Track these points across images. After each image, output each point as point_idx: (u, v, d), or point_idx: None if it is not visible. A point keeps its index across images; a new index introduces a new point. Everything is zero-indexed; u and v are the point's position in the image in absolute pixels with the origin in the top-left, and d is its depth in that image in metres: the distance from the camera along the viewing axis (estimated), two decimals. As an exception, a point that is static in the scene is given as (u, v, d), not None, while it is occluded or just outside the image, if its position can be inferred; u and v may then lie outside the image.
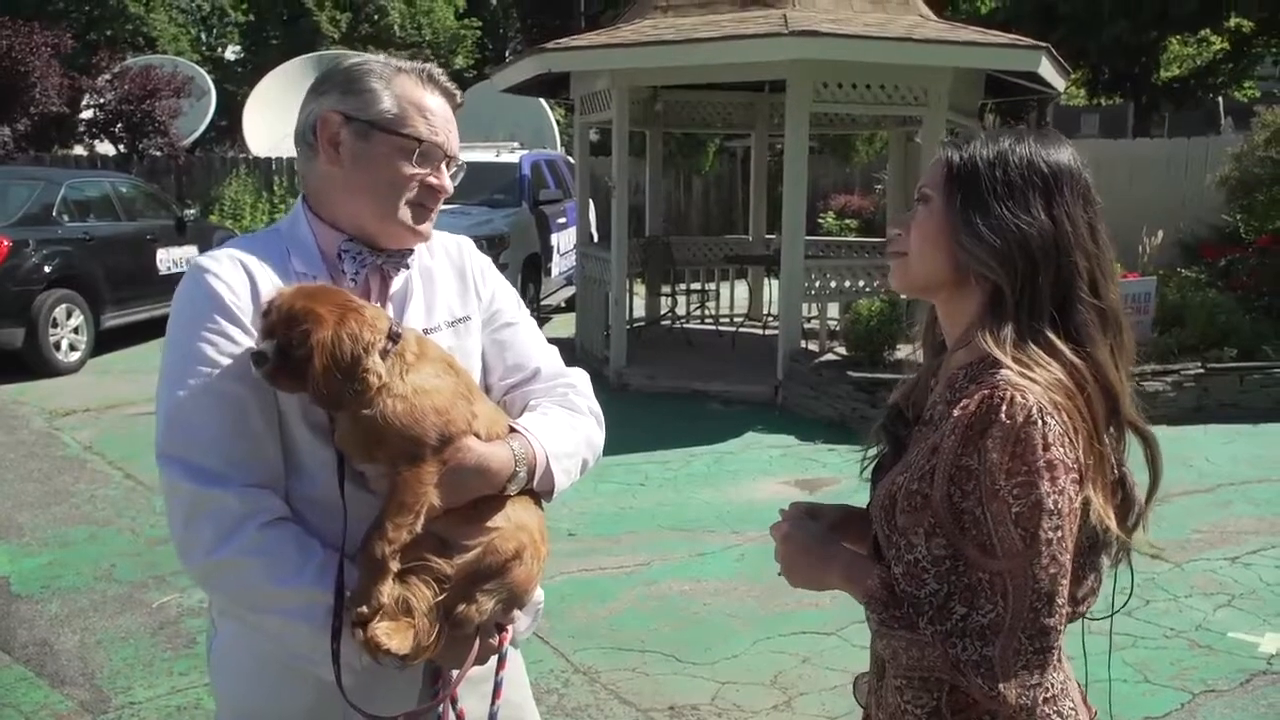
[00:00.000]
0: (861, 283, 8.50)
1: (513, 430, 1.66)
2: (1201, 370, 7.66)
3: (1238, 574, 4.86)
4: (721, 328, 10.81)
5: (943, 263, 1.39)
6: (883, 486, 1.42)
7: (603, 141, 12.68)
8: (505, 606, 1.60)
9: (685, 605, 4.59)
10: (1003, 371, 1.29)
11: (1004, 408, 1.25)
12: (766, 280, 11.34)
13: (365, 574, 1.47)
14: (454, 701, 1.65)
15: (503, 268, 7.99)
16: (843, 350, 8.12)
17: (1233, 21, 20.52)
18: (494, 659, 1.67)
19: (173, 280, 11.35)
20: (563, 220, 12.16)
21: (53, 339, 9.40)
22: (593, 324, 9.79)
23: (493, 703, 1.68)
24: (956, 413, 1.29)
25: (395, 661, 1.47)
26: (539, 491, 1.67)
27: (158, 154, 16.22)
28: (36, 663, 4.01)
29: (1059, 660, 1.33)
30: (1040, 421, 1.24)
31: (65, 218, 10.05)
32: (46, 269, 9.41)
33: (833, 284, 8.49)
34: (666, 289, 11.04)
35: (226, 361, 1.52)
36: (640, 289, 11.07)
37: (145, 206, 11.50)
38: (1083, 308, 1.35)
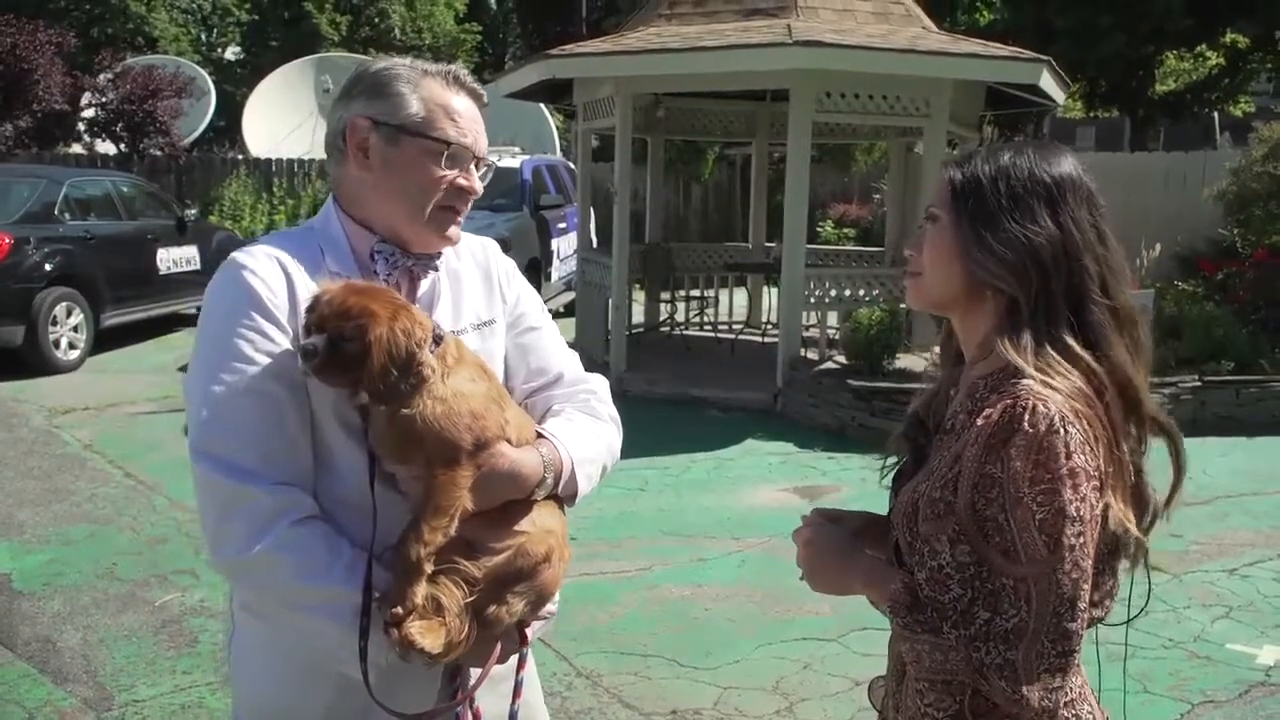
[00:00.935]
0: (861, 291, 8.54)
1: (539, 436, 1.68)
2: (1199, 383, 7.71)
3: (1235, 586, 4.89)
4: (720, 334, 10.83)
5: (956, 279, 1.42)
6: (905, 494, 1.45)
7: (602, 147, 12.72)
8: (532, 608, 1.62)
9: (686, 610, 4.60)
10: (1024, 381, 1.31)
11: (1027, 417, 1.27)
12: (766, 288, 11.38)
13: (400, 575, 1.49)
14: (470, 700, 1.67)
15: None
16: (842, 359, 8.15)
17: (1228, 38, 20.65)
18: (514, 658, 1.69)
19: (173, 280, 11.47)
20: (563, 225, 12.19)
21: (52, 337, 9.40)
22: (593, 329, 9.82)
23: (513, 702, 1.70)
24: (980, 422, 1.32)
25: (425, 660, 1.49)
26: (562, 496, 1.70)
27: (158, 153, 16.22)
28: (39, 660, 4.01)
29: (1078, 664, 1.37)
30: (1062, 430, 1.27)
31: (66, 216, 10.06)
32: (47, 267, 9.41)
33: (832, 292, 8.52)
34: (666, 295, 11.07)
35: (263, 359, 1.53)
36: (639, 295, 11.09)
37: (146, 206, 11.50)
38: (1096, 309, 1.38)
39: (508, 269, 1.87)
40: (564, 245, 12.12)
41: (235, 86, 27.43)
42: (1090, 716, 1.41)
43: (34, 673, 3.91)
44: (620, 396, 1.97)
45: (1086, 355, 1.35)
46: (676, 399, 8.51)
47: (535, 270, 11.35)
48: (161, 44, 28.71)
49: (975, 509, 1.31)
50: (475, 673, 1.64)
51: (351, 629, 1.49)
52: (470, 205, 1.70)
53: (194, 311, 12.12)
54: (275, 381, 1.53)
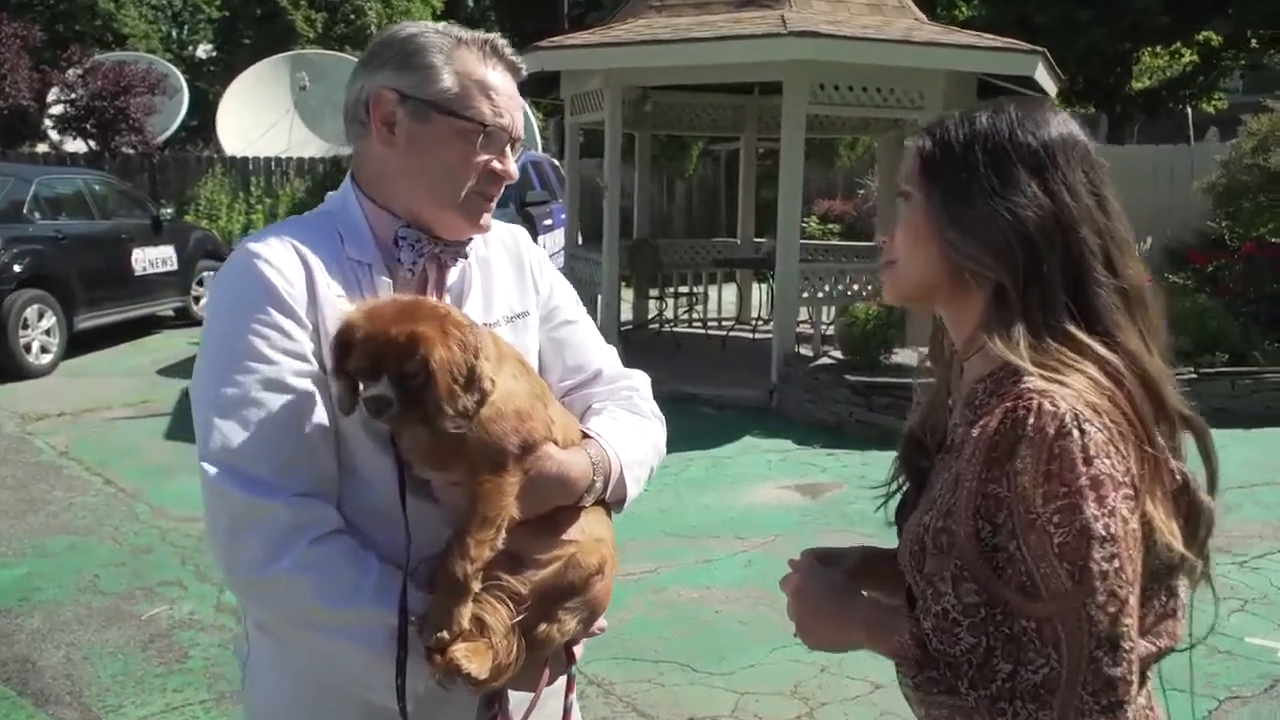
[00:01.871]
0: (855, 286, 8.44)
1: (585, 436, 1.54)
2: (1194, 375, 7.66)
3: (1248, 579, 4.81)
4: (711, 331, 10.70)
5: (934, 264, 1.23)
6: (910, 529, 1.22)
7: (587, 143, 12.59)
8: (584, 625, 1.47)
9: (696, 613, 4.47)
10: (1026, 380, 1.11)
11: (1031, 419, 1.06)
12: (756, 284, 11.26)
13: (444, 595, 1.34)
14: None
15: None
16: (838, 354, 8.04)
17: (1202, 35, 20.78)
18: (561, 679, 1.55)
19: (149, 281, 11.19)
20: (549, 222, 12.02)
21: (23, 341, 9.13)
22: (581, 327, 9.65)
23: None
24: (975, 432, 1.11)
25: (470, 686, 1.34)
26: (610, 501, 1.56)
27: (130, 152, 15.89)
28: (18, 681, 3.81)
29: (1133, 698, 1.11)
30: (1076, 431, 1.05)
31: (36, 215, 9.79)
32: (16, 268, 9.14)
33: (826, 288, 8.42)
34: (654, 292, 10.93)
35: (280, 358, 1.39)
36: (627, 292, 10.94)
37: (119, 205, 11.23)
38: (1101, 290, 1.17)
39: (539, 258, 1.73)
40: (550, 242, 11.96)
41: (208, 84, 27.06)
42: None
43: (12, 695, 3.71)
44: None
45: (1094, 343, 1.14)
46: (670, 396, 8.30)
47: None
48: (131, 41, 28.24)
49: (980, 538, 1.10)
50: (515, 695, 1.50)
51: (383, 654, 1.35)
52: (502, 191, 1.56)
53: (171, 313, 11.93)
54: (294, 382, 1.39)
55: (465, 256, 1.57)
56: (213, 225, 14.55)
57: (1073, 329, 1.15)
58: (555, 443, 1.46)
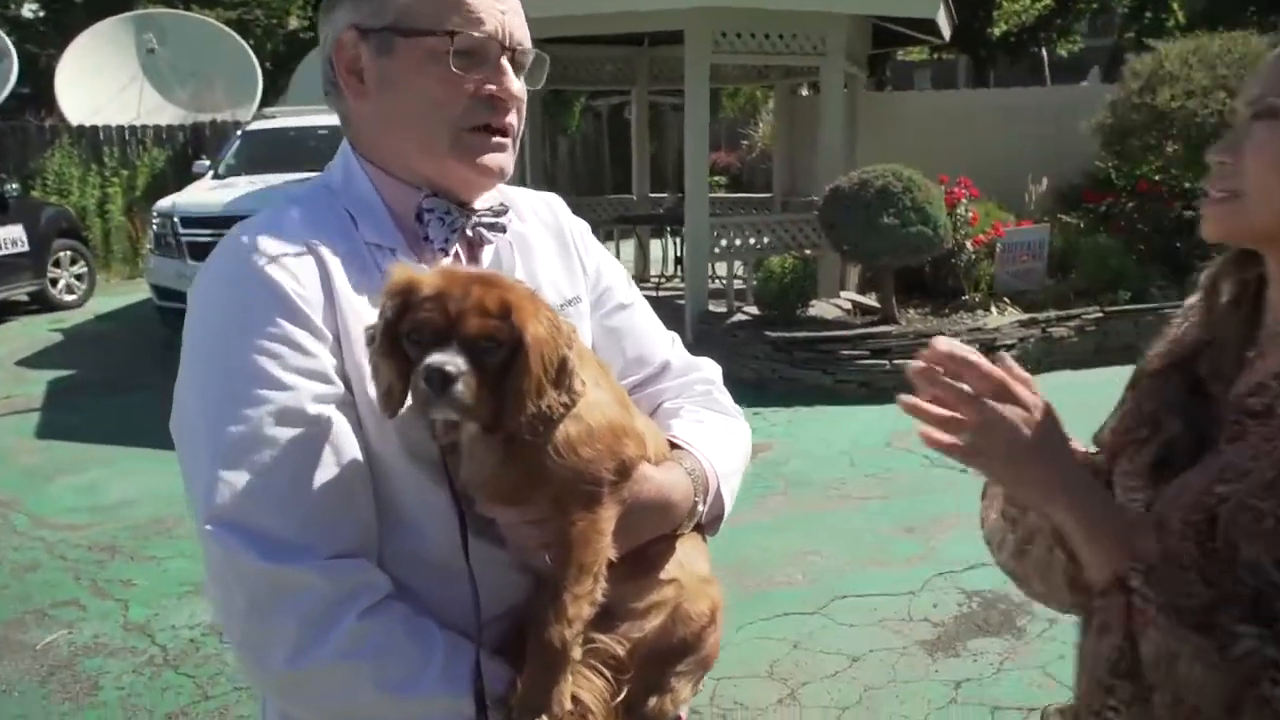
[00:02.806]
0: (767, 240, 8.28)
1: (673, 446, 1.27)
2: (1101, 314, 7.82)
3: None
4: (613, 292, 10.42)
5: None
6: (1189, 492, 1.05)
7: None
8: (694, 685, 1.21)
9: (654, 594, 4.24)
10: None
11: None
12: (655, 240, 11.02)
13: (539, 668, 1.05)
14: None
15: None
16: (753, 309, 7.89)
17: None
18: None
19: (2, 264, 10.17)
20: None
21: None
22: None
23: None
24: None
25: None
26: (705, 523, 1.30)
27: (-42, 123, 14.47)
28: (-102, 734, 3.32)
29: None
30: None
31: None
32: None
33: (738, 241, 8.24)
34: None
35: (298, 381, 1.08)
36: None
37: (-48, 182, 10.16)
38: None
39: (582, 231, 1.44)
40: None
41: (39, 48, 24.92)
42: None
43: (-106, 752, 3.23)
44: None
45: None
46: (583, 362, 8.07)
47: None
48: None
49: None
50: None
51: None
52: (519, 118, 1.25)
53: (25, 299, 10.93)
54: (316, 410, 1.08)
55: (504, 230, 1.26)
56: (65, 200, 13.39)
57: None
58: (648, 459, 1.18)
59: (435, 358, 0.99)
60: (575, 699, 1.08)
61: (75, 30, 19.49)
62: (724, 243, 8.19)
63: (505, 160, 1.22)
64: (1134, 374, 1.26)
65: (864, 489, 5.33)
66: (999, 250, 8.01)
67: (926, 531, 4.70)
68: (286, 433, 1.06)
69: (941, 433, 1.00)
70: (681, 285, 8.98)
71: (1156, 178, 9.33)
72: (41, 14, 30.30)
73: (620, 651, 1.13)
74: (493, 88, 1.19)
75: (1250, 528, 0.97)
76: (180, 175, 12.82)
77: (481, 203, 1.26)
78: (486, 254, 1.27)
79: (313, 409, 1.07)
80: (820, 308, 7.73)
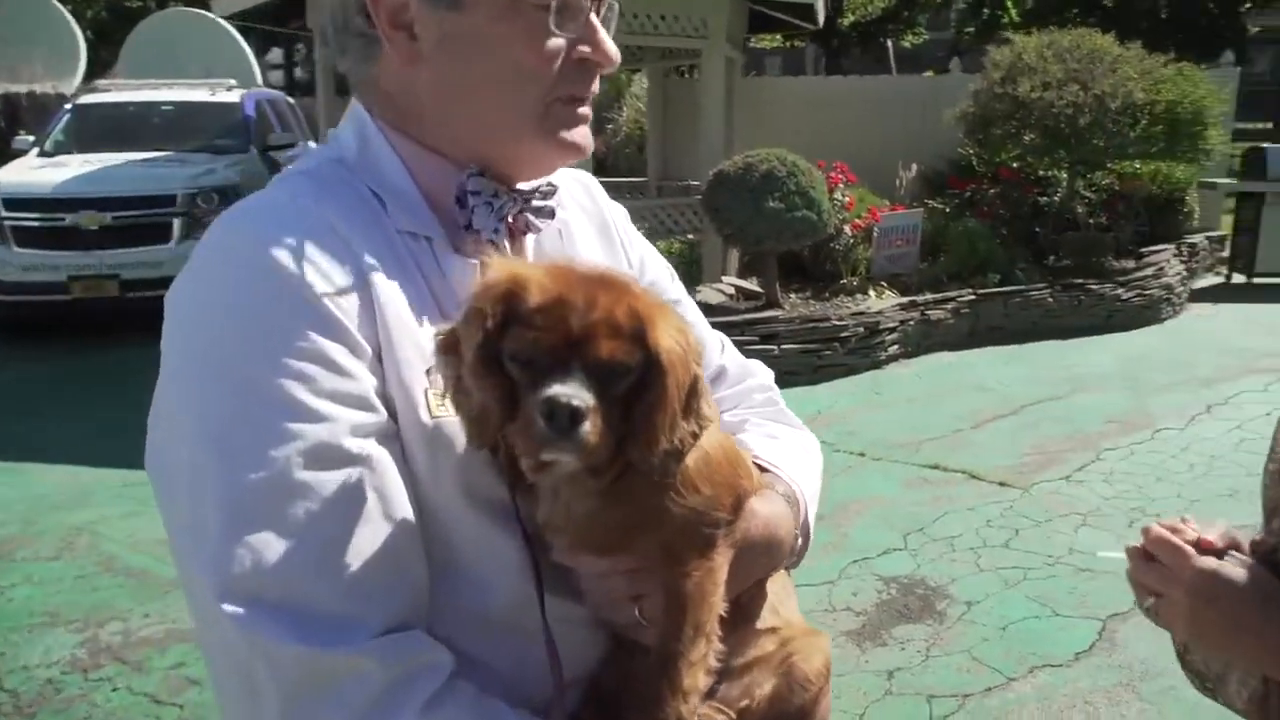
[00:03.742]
0: (647, 225, 8.17)
1: (760, 469, 1.11)
2: (973, 297, 8.06)
3: (1076, 492, 5.05)
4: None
5: None
6: None
7: (342, 80, 11.43)
8: None
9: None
10: None
11: None
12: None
13: None
14: None
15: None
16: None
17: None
18: None
19: None
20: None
21: None
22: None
23: None
24: None
25: None
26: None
27: None
28: None
29: None
30: None
31: None
32: None
33: (621, 227, 8.10)
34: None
35: (332, 409, 0.87)
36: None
37: None
38: None
39: (623, 217, 1.26)
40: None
41: None
42: None
43: None
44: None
45: None
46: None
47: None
48: None
49: None
50: None
51: None
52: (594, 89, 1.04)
53: None
54: (357, 447, 0.87)
55: (553, 215, 1.07)
56: None
57: None
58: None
59: (558, 389, 0.80)
60: None
61: None
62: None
63: (589, 136, 1.03)
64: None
65: (767, 476, 5.33)
66: (876, 235, 8.15)
67: (835, 519, 4.70)
68: (322, 477, 0.85)
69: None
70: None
71: (1015, 165, 9.71)
72: None
73: None
74: (588, 50, 0.99)
75: None
76: (-1, 151, 11.70)
77: (527, 183, 1.05)
78: (528, 242, 1.07)
79: (353, 445, 0.86)
80: (705, 293, 7.67)
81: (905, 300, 7.75)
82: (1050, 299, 8.34)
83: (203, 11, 13.38)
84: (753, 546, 0.99)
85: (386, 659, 0.84)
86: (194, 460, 0.85)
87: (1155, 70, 8.95)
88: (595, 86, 1.02)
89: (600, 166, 17.58)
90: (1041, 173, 9.79)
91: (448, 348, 0.87)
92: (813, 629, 1.08)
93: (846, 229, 8.20)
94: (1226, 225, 10.93)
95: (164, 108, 10.11)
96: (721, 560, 0.93)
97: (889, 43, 28.61)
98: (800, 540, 1.09)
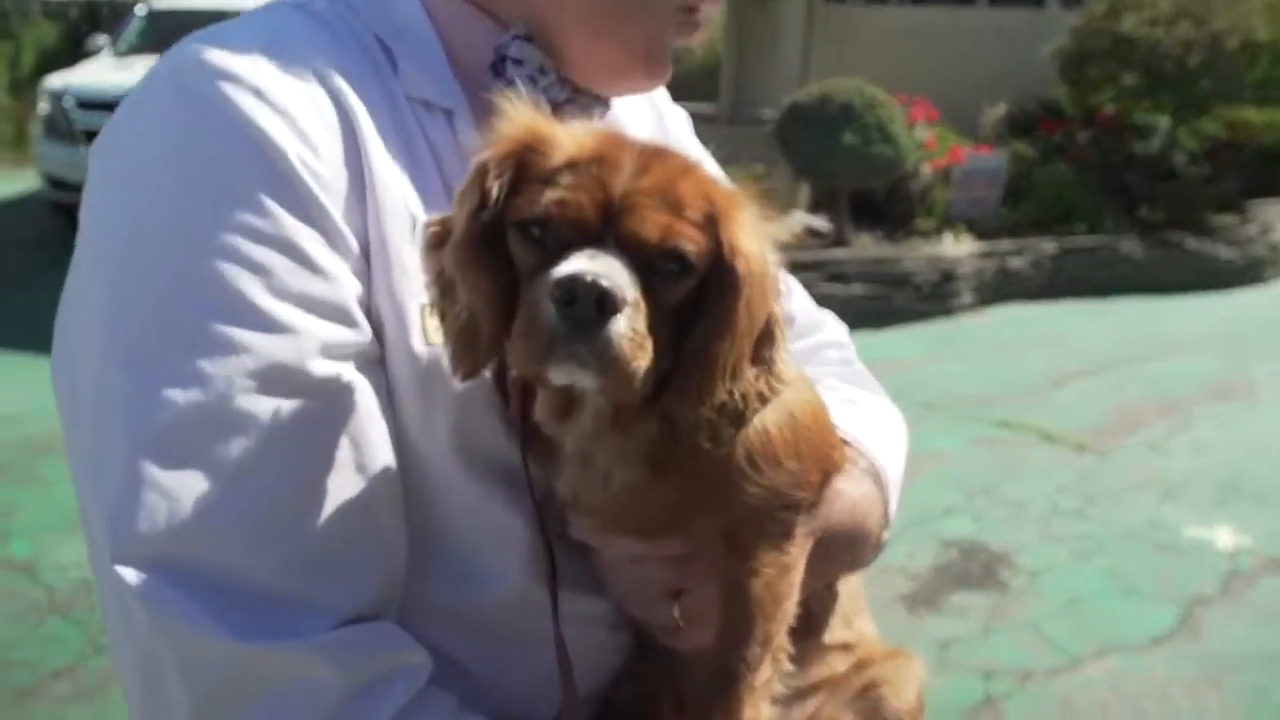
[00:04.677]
0: (715, 156, 7.82)
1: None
2: (1056, 247, 7.61)
3: (1161, 461, 4.69)
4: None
5: None
6: None
7: None
8: None
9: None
10: None
11: None
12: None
13: None
14: None
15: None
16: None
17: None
18: None
19: None
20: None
21: None
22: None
23: None
24: None
25: None
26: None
27: None
28: None
29: None
30: None
31: None
32: None
33: (687, 155, 7.76)
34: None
35: (298, 318, 0.64)
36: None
37: None
38: None
39: (684, 123, 1.04)
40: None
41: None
42: None
43: None
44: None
45: None
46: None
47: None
48: None
49: None
50: None
51: None
52: None
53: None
54: (326, 372, 0.65)
55: (607, 107, 0.84)
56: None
57: None
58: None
59: (581, 265, 0.55)
60: None
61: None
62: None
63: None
64: None
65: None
66: (956, 176, 7.71)
67: (895, 472, 4.42)
68: (274, 407, 0.62)
69: None
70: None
71: (1111, 108, 9.11)
72: None
73: None
74: None
75: None
76: (74, 54, 11.69)
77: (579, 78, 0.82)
78: None
79: (321, 368, 0.64)
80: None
81: (983, 246, 7.33)
82: (1141, 253, 7.83)
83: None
84: (835, 538, 0.77)
85: (345, 659, 0.62)
86: (102, 372, 0.63)
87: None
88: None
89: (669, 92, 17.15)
90: (1140, 118, 9.17)
91: (439, 241, 0.64)
92: (898, 649, 0.85)
93: (925, 168, 7.77)
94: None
95: (235, 15, 9.93)
96: (798, 554, 0.72)
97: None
98: (885, 533, 0.86)
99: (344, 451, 0.64)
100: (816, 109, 6.78)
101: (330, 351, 0.64)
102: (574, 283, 0.55)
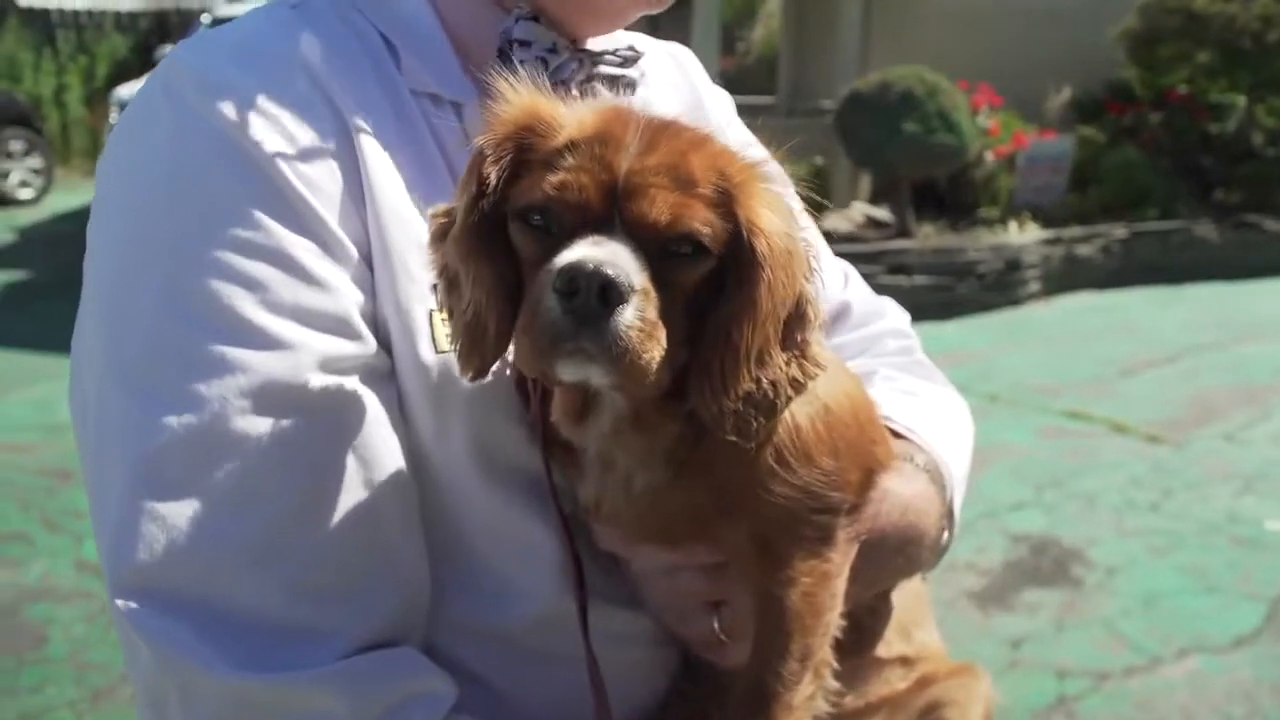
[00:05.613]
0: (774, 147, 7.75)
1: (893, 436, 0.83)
2: (1126, 233, 7.39)
3: (1240, 453, 4.53)
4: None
5: None
6: None
7: None
8: None
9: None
10: None
11: None
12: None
13: None
14: None
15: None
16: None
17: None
18: None
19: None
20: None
21: None
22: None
23: None
24: None
25: None
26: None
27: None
28: None
29: None
30: None
31: None
32: None
33: (744, 147, 7.70)
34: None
35: (295, 332, 0.62)
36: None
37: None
38: None
39: (725, 105, 0.99)
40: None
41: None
42: None
43: None
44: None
45: None
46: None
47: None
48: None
49: None
50: None
51: None
52: None
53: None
54: (326, 383, 0.63)
55: (633, 88, 0.79)
56: (16, 86, 12.54)
57: None
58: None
59: (582, 251, 0.53)
60: None
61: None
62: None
63: None
64: None
65: (888, 418, 4.99)
66: (1021, 163, 7.52)
67: (962, 466, 4.33)
68: (271, 426, 0.60)
69: None
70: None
71: (1184, 88, 8.81)
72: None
73: None
74: None
75: None
76: (145, 64, 12.01)
77: (598, 44, 0.79)
78: None
79: (321, 383, 0.62)
80: (833, 221, 7.24)
81: (1050, 234, 7.15)
82: (1216, 237, 7.57)
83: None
84: (884, 541, 0.72)
85: (354, 689, 0.60)
86: (101, 395, 0.62)
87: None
88: None
89: (730, 86, 17.05)
90: (1215, 97, 8.85)
91: (444, 233, 0.62)
92: (963, 664, 0.80)
93: (988, 155, 7.59)
94: None
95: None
96: (840, 560, 0.68)
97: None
98: (946, 534, 0.80)
99: (349, 469, 0.63)
100: (876, 98, 6.68)
101: (330, 365, 0.62)
102: (575, 272, 0.53)
